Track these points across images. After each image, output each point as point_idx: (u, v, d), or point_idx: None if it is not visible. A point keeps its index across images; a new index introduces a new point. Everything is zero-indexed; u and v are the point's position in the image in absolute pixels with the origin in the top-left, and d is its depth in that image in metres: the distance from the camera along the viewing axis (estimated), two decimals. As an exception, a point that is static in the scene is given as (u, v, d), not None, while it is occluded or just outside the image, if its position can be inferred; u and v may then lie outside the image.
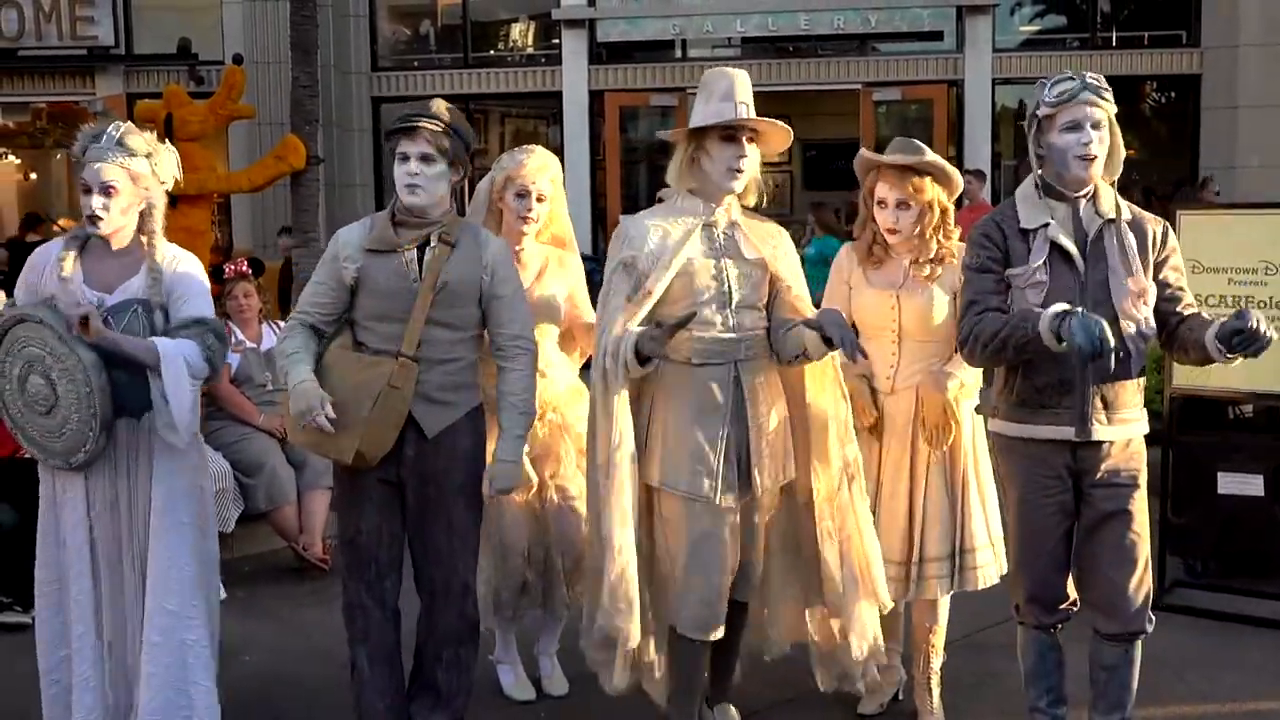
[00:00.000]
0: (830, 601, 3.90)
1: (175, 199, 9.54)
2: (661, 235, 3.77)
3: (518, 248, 4.28)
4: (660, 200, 4.00)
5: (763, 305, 3.85)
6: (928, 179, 4.03)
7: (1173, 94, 16.44)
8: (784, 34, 15.13)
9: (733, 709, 4.12)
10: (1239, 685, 4.55)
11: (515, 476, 3.86)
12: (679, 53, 15.68)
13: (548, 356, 4.31)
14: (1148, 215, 3.67)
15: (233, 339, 5.92)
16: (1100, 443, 3.55)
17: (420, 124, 3.72)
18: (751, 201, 3.91)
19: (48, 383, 3.80)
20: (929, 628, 4.24)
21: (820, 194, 18.00)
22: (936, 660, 4.29)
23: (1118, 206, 3.61)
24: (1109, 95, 3.55)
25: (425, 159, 3.73)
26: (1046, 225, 3.55)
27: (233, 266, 6.69)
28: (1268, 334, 3.33)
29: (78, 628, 3.92)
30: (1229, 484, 5.37)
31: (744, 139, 3.75)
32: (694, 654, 3.82)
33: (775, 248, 3.90)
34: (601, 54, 15.67)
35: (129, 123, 4.07)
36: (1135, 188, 11.17)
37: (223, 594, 5.24)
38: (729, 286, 3.77)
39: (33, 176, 18.86)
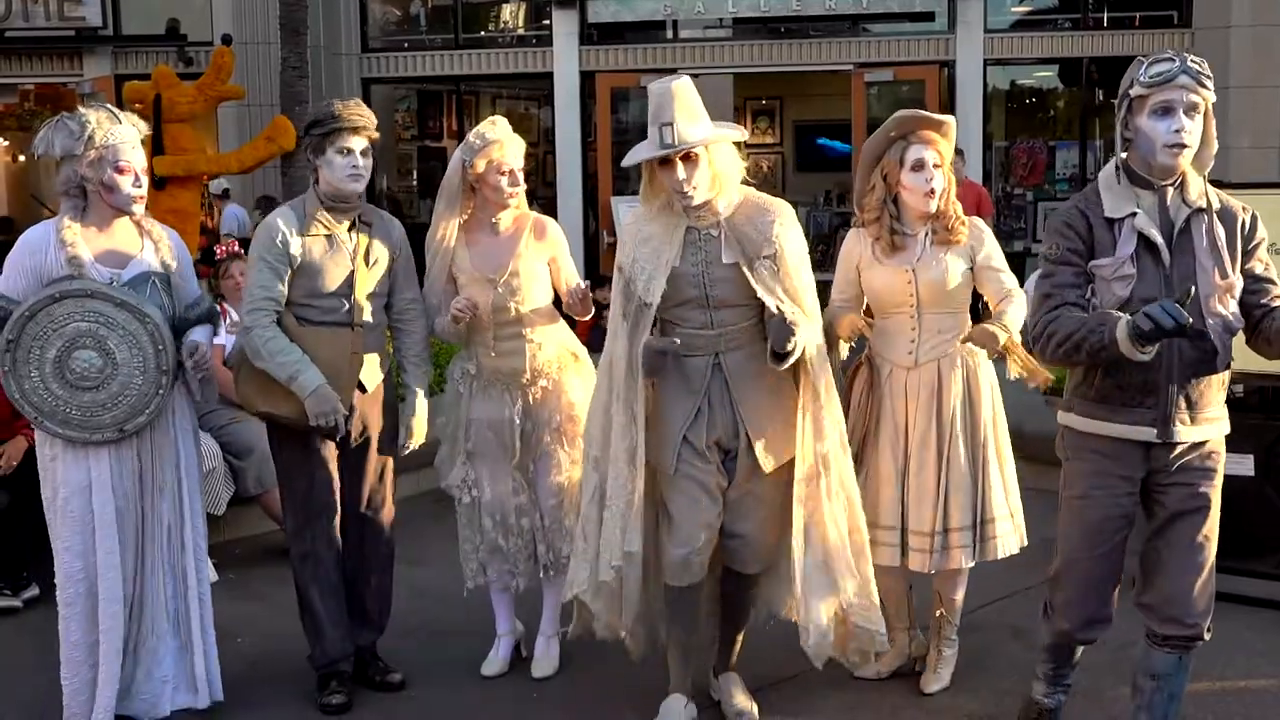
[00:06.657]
0: (792, 585, 3.98)
1: (164, 180, 9.59)
2: (647, 242, 3.94)
3: (494, 220, 4.40)
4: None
5: (749, 299, 3.91)
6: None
7: (1164, 75, 16.29)
8: (775, 14, 15.05)
9: (736, 676, 4.23)
10: (1230, 664, 4.56)
11: (425, 431, 4.46)
12: (670, 33, 15.59)
13: (538, 326, 4.41)
14: (1236, 203, 3.45)
15: (228, 320, 5.90)
16: (1178, 443, 3.39)
17: (363, 123, 4.20)
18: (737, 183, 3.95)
19: (102, 353, 3.85)
20: (952, 597, 4.32)
21: (812, 176, 18.08)
22: (952, 630, 4.37)
23: (1207, 195, 3.40)
24: (1210, 81, 3.30)
25: (366, 153, 4.23)
26: (1134, 215, 3.35)
27: (223, 247, 6.71)
28: None
29: (111, 607, 3.94)
30: (1220, 464, 5.37)
31: (678, 159, 3.77)
32: (679, 600, 3.99)
33: (762, 238, 3.88)
34: (593, 35, 15.58)
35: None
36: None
37: (215, 576, 5.25)
38: (707, 290, 3.91)
39: (20, 159, 18.78)
